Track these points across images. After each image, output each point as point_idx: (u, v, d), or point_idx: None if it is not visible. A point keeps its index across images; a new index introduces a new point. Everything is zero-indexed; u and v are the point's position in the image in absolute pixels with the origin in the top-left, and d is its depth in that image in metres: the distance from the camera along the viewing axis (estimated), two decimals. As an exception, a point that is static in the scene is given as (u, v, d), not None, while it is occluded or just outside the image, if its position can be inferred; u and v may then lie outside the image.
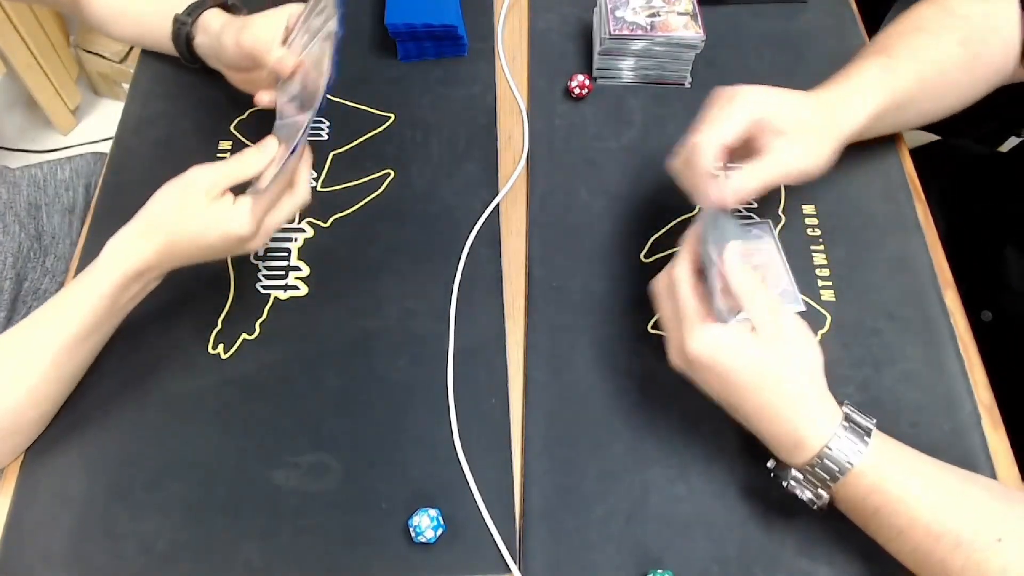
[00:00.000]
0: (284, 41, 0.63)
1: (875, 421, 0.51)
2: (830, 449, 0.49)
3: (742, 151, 0.59)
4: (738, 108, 0.57)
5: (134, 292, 0.58)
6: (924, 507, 0.48)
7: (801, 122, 0.58)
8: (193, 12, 0.71)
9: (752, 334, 0.50)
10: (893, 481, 0.49)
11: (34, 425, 0.59)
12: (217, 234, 0.56)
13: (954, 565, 0.47)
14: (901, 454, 0.51)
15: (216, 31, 0.69)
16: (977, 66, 0.66)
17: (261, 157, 0.58)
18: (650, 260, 0.69)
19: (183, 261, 0.58)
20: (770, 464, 0.54)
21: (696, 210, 0.71)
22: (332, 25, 0.59)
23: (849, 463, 0.49)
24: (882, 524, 0.50)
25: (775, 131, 0.57)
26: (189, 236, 0.56)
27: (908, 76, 0.63)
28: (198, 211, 0.56)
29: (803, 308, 0.65)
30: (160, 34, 0.73)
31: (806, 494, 0.52)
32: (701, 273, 0.53)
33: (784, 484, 0.52)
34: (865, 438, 0.50)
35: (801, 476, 0.51)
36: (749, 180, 0.56)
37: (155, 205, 0.57)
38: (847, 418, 0.50)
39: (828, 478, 0.50)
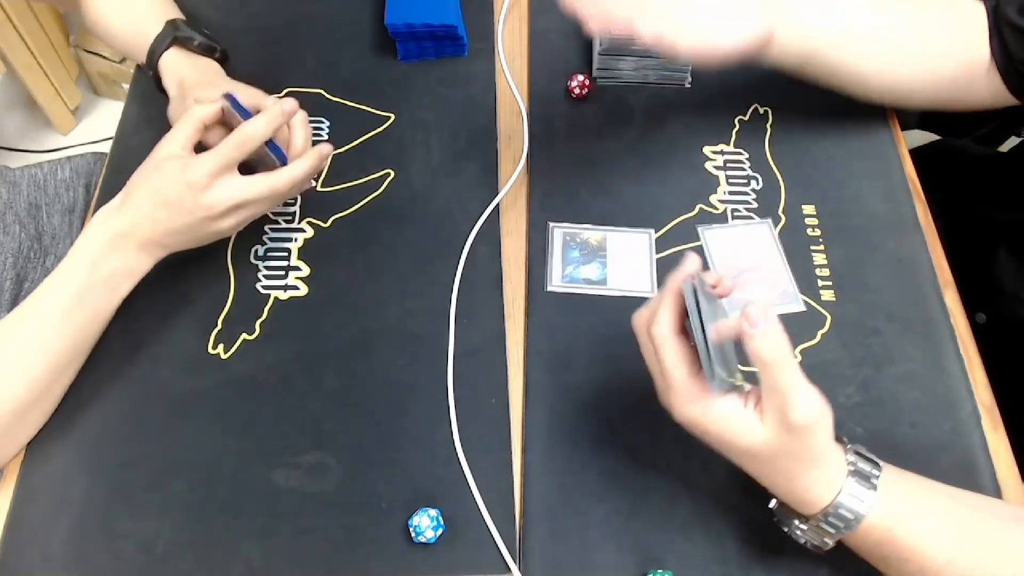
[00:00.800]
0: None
1: (880, 467, 0.48)
2: (835, 507, 0.47)
3: None
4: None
5: (115, 263, 0.58)
6: (936, 552, 0.47)
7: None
8: (153, 61, 0.72)
9: (753, 413, 0.46)
10: (902, 529, 0.47)
11: (30, 411, 0.58)
12: (171, 182, 0.57)
13: None
14: (911, 495, 0.49)
15: (172, 90, 0.72)
16: (932, 46, 0.66)
17: (212, 106, 0.61)
18: (650, 260, 0.69)
19: (152, 223, 0.58)
20: (772, 505, 0.52)
21: (696, 210, 0.71)
22: None
23: (856, 519, 0.47)
24: (891, 569, 0.49)
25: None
26: (150, 190, 0.58)
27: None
28: (158, 166, 0.58)
29: (803, 308, 0.65)
30: (141, 53, 0.74)
31: (810, 543, 0.50)
32: (683, 329, 0.49)
33: (785, 529, 0.51)
34: (873, 480, 0.47)
35: (805, 527, 0.49)
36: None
37: (132, 178, 0.60)
38: (853, 469, 0.48)
39: (834, 532, 0.48)
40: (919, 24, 0.66)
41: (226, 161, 0.58)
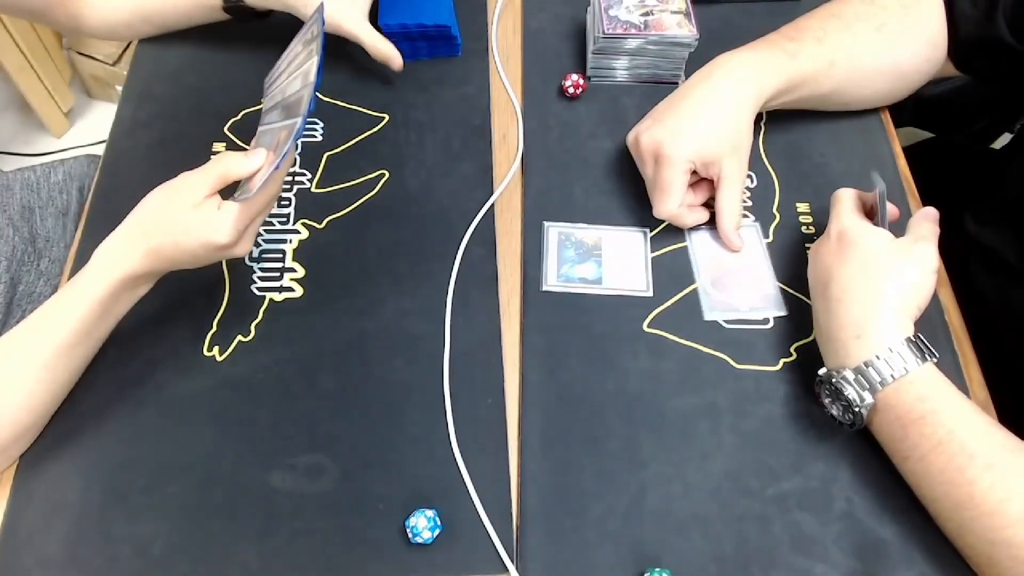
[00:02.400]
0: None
1: (937, 357, 0.54)
2: (891, 352, 0.53)
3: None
4: (675, 171, 0.64)
5: (125, 298, 0.59)
6: (967, 425, 0.51)
7: (722, 144, 0.64)
8: None
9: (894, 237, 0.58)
10: (942, 394, 0.52)
11: (28, 432, 0.58)
12: (199, 242, 0.56)
13: (982, 484, 0.49)
14: (952, 384, 0.53)
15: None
16: (898, 53, 0.69)
17: (249, 163, 0.57)
18: (645, 259, 0.69)
19: (172, 266, 0.58)
20: (821, 372, 0.57)
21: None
22: (317, 36, 0.59)
23: (904, 369, 0.52)
24: (922, 434, 0.52)
25: (712, 161, 0.64)
26: (172, 243, 0.56)
27: (814, 63, 0.68)
28: (181, 217, 0.56)
29: (784, 313, 0.65)
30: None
31: (852, 395, 0.54)
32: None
33: (829, 389, 0.56)
34: (926, 357, 0.53)
35: (852, 376, 0.54)
36: (729, 221, 0.66)
37: (142, 210, 0.58)
38: (916, 337, 0.54)
39: (879, 380, 0.53)
40: (882, 59, 0.70)
41: (252, 215, 0.58)
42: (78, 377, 0.61)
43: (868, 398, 0.53)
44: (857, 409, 0.54)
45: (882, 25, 0.68)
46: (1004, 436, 0.51)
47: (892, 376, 0.52)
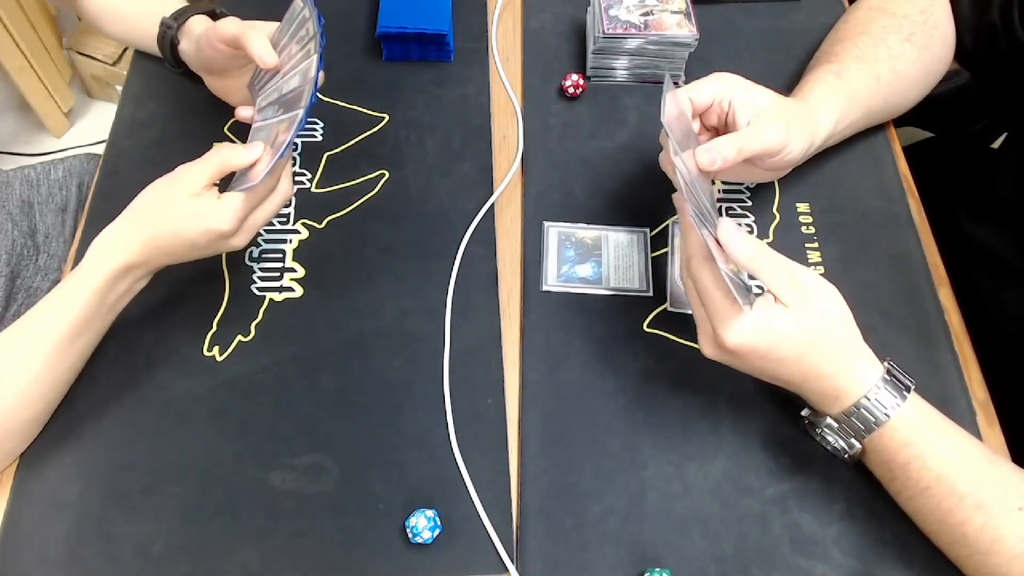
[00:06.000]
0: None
1: (913, 386, 0.52)
2: (868, 400, 0.51)
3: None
4: (713, 78, 0.60)
5: (122, 290, 0.58)
6: (954, 466, 0.50)
7: (776, 108, 0.61)
8: (179, 17, 0.71)
9: (780, 306, 0.51)
10: (927, 437, 0.51)
11: (29, 428, 0.59)
12: (199, 230, 0.56)
13: (973, 525, 0.49)
14: (937, 415, 0.52)
15: (196, 35, 0.69)
16: (926, 59, 0.70)
17: (248, 153, 0.58)
18: (645, 259, 0.69)
19: (169, 258, 0.58)
20: (804, 412, 0.56)
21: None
22: (315, 35, 0.59)
23: (886, 415, 0.51)
24: (910, 478, 0.51)
25: (751, 111, 0.59)
26: (171, 231, 0.56)
27: (862, 79, 0.67)
28: (180, 206, 0.56)
29: None
30: (150, 36, 0.73)
31: (838, 443, 0.54)
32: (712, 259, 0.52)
33: (817, 433, 0.56)
34: (904, 393, 0.51)
35: (836, 425, 0.53)
36: (727, 144, 0.56)
37: (140, 202, 0.58)
38: (888, 372, 0.52)
39: (863, 428, 0.52)
40: (914, 72, 0.70)
41: (252, 205, 0.58)
42: (77, 372, 0.61)
43: (856, 444, 0.53)
44: (846, 456, 0.54)
45: (910, 35, 0.69)
46: (994, 470, 0.51)
47: (876, 423, 0.51)
